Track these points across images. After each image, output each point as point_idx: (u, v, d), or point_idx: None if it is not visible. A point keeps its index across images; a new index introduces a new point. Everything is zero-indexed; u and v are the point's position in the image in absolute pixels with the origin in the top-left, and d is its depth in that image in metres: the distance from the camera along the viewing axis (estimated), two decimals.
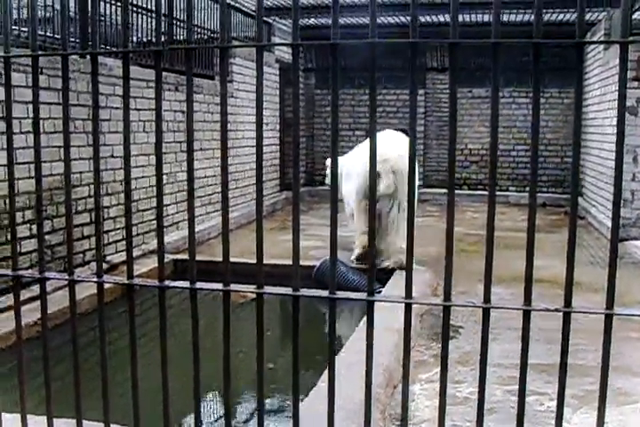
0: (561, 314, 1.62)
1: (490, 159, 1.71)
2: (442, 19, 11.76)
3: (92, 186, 6.30)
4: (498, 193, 12.79)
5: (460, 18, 11.56)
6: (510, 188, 13.55)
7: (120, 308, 5.16)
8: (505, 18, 11.47)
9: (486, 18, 11.67)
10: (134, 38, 7.78)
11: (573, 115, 1.68)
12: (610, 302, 1.58)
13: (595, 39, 11.29)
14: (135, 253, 6.80)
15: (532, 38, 1.62)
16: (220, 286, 1.84)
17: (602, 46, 10.57)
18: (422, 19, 11.89)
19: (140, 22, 7.53)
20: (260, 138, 1.80)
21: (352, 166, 6.92)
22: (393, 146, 6.34)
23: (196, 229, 8.12)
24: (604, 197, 9.71)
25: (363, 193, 6.60)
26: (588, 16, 11.17)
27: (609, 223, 1.80)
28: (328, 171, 8.08)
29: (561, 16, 11.47)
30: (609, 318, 1.57)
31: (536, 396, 3.79)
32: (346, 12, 11.27)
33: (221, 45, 1.78)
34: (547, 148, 13.33)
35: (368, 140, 1.73)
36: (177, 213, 8.10)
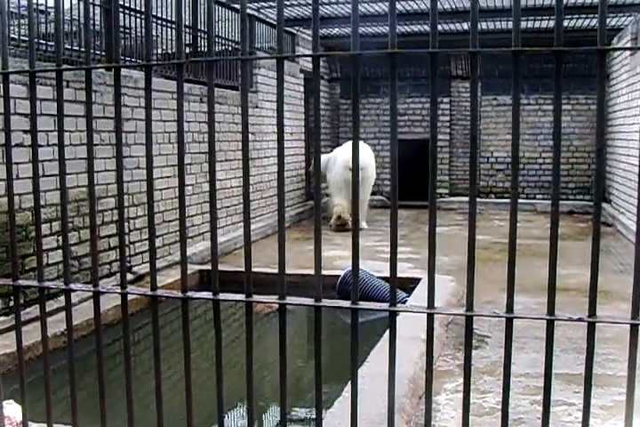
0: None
1: (512, 166, 1.69)
2: (465, 26, 11.74)
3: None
4: (525, 201, 12.72)
5: (484, 25, 11.50)
6: (537, 195, 13.44)
7: (147, 318, 5.19)
8: (529, 25, 11.42)
9: (509, 25, 11.62)
10: (159, 50, 7.87)
11: (596, 121, 1.67)
12: (635, 312, 1.56)
13: (621, 44, 11.18)
14: (161, 263, 6.84)
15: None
16: (242, 296, 1.84)
17: (628, 52, 10.47)
18: (445, 27, 11.88)
19: (165, 35, 7.61)
20: (281, 148, 1.80)
21: (333, 164, 10.77)
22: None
23: (222, 240, 8.17)
24: (633, 204, 9.59)
25: (342, 182, 10.30)
26: (614, 21, 11.08)
27: None
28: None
29: (587, 22, 11.39)
30: (634, 328, 1.55)
31: (564, 406, 3.74)
32: (369, 22, 11.30)
33: (242, 57, 1.79)
34: (573, 155, 13.22)
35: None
36: (203, 223, 8.14)
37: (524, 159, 13.38)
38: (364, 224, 10.69)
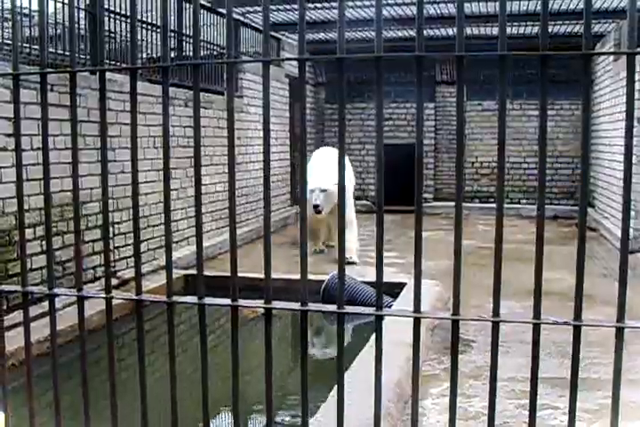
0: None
1: (497, 172, 1.70)
2: (450, 32, 11.79)
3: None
4: (509, 206, 12.72)
5: (470, 31, 11.52)
6: (522, 200, 13.52)
7: (132, 323, 5.15)
8: (515, 30, 11.49)
9: (495, 31, 11.69)
10: (144, 54, 7.84)
11: (581, 126, 1.67)
12: (620, 315, 1.56)
13: (604, 50, 11.27)
14: (146, 268, 6.80)
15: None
16: (227, 301, 1.83)
17: (611, 58, 10.56)
18: (432, 32, 11.93)
19: (150, 39, 7.59)
20: (267, 152, 1.80)
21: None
22: (326, 171, 8.16)
23: (207, 244, 8.14)
24: (616, 209, 9.66)
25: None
26: (597, 27, 11.17)
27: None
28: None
29: (570, 28, 11.47)
30: (620, 331, 1.55)
31: (549, 410, 3.75)
32: (356, 27, 11.32)
33: (227, 61, 1.79)
34: (557, 160, 13.30)
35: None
36: (188, 228, 8.11)
37: (508, 164, 13.45)
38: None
